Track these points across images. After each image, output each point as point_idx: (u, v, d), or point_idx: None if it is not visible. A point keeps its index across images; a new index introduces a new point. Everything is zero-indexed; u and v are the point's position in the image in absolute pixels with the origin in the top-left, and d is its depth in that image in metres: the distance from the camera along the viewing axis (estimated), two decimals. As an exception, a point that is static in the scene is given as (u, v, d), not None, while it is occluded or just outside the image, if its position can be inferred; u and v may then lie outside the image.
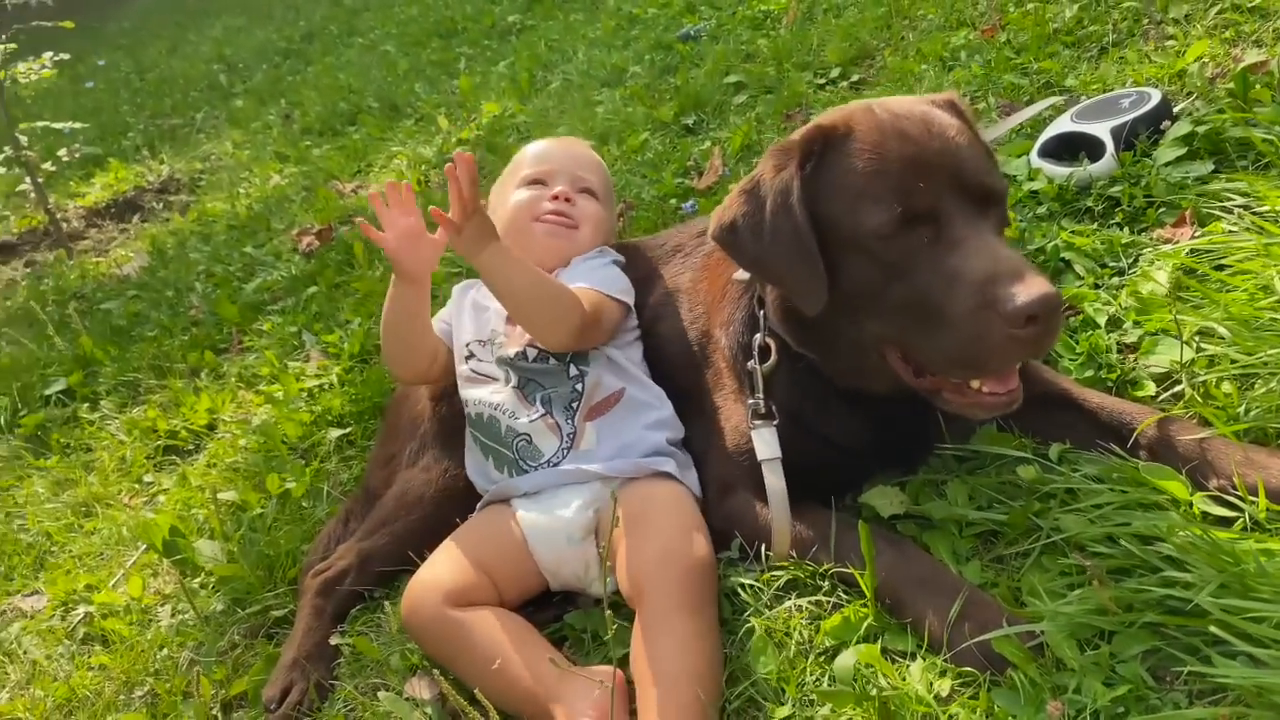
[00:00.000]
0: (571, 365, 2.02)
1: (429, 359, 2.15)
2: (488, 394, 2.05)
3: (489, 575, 1.83)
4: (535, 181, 2.26)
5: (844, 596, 1.66)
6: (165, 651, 2.23)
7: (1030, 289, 1.44)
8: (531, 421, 1.98)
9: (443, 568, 1.84)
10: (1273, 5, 2.81)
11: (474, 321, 2.18)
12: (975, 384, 1.59)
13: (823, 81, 3.78)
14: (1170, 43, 2.94)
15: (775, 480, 1.73)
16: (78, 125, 6.23)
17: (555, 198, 2.22)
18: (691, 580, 1.63)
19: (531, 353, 2.04)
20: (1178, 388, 1.78)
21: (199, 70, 10.08)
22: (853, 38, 3.90)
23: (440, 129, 5.16)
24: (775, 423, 1.78)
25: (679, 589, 1.60)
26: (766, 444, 1.76)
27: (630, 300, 2.14)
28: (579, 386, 2.00)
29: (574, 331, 1.94)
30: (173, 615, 2.35)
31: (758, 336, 1.85)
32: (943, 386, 1.63)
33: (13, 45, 5.70)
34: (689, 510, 1.80)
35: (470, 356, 2.13)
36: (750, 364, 1.84)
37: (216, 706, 2.03)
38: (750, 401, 1.81)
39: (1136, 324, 1.94)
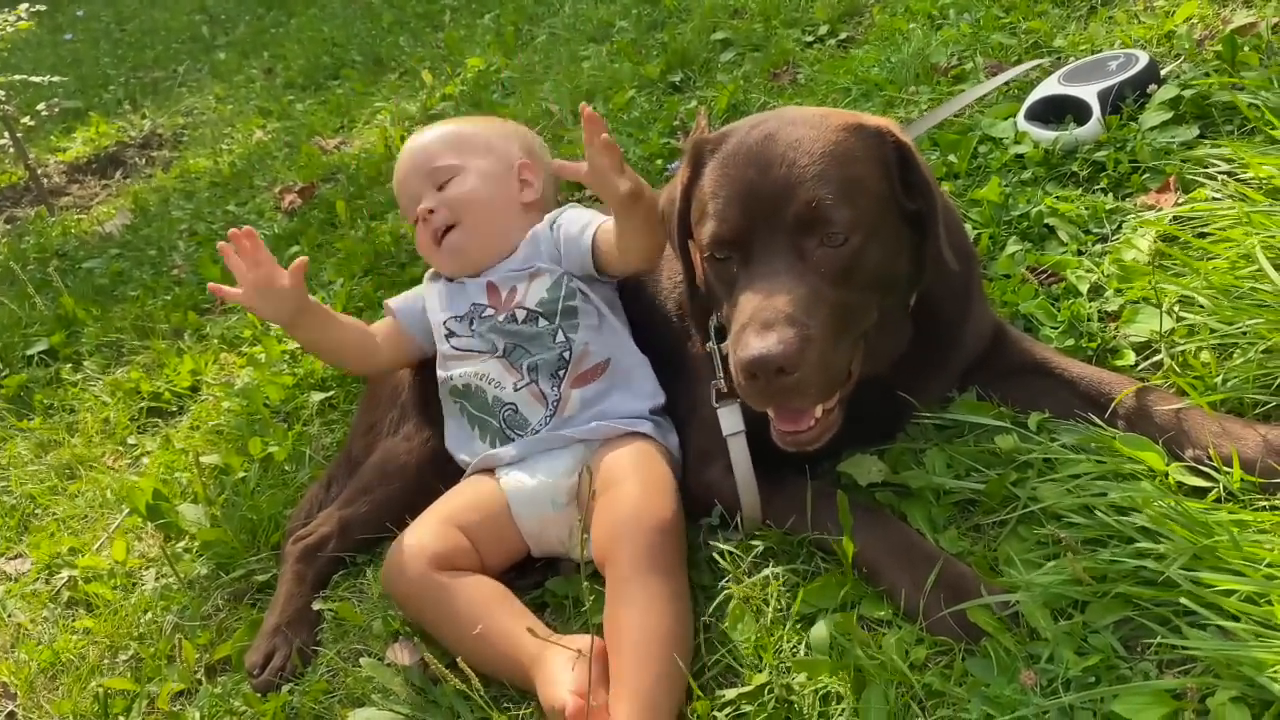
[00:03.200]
0: (560, 330, 2.02)
1: (362, 354, 2.18)
2: (473, 368, 2.04)
3: (473, 541, 1.84)
4: (407, 210, 2.25)
5: (822, 565, 1.68)
6: (149, 616, 2.24)
7: (753, 344, 1.47)
8: (517, 390, 1.99)
9: (427, 532, 1.84)
10: (1264, -34, 2.78)
11: (449, 299, 2.16)
12: (771, 415, 1.62)
13: (810, 39, 3.73)
14: (1159, 3, 2.91)
15: (740, 454, 1.74)
16: (57, 79, 6.11)
17: (416, 220, 2.20)
18: (659, 542, 1.64)
19: (520, 314, 2.05)
20: (1157, 357, 1.78)
21: (180, 21, 9.89)
22: (842, -7, 3.85)
23: (424, 84, 5.08)
24: (738, 400, 1.74)
25: (647, 553, 1.62)
26: (730, 420, 1.77)
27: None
28: (566, 355, 2.00)
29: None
30: (156, 579, 2.36)
31: (714, 317, 1.82)
32: None
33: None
34: (659, 470, 1.80)
35: (450, 335, 2.12)
36: (709, 345, 1.82)
37: (200, 671, 2.04)
38: (713, 382, 1.80)
39: (1118, 292, 1.94)
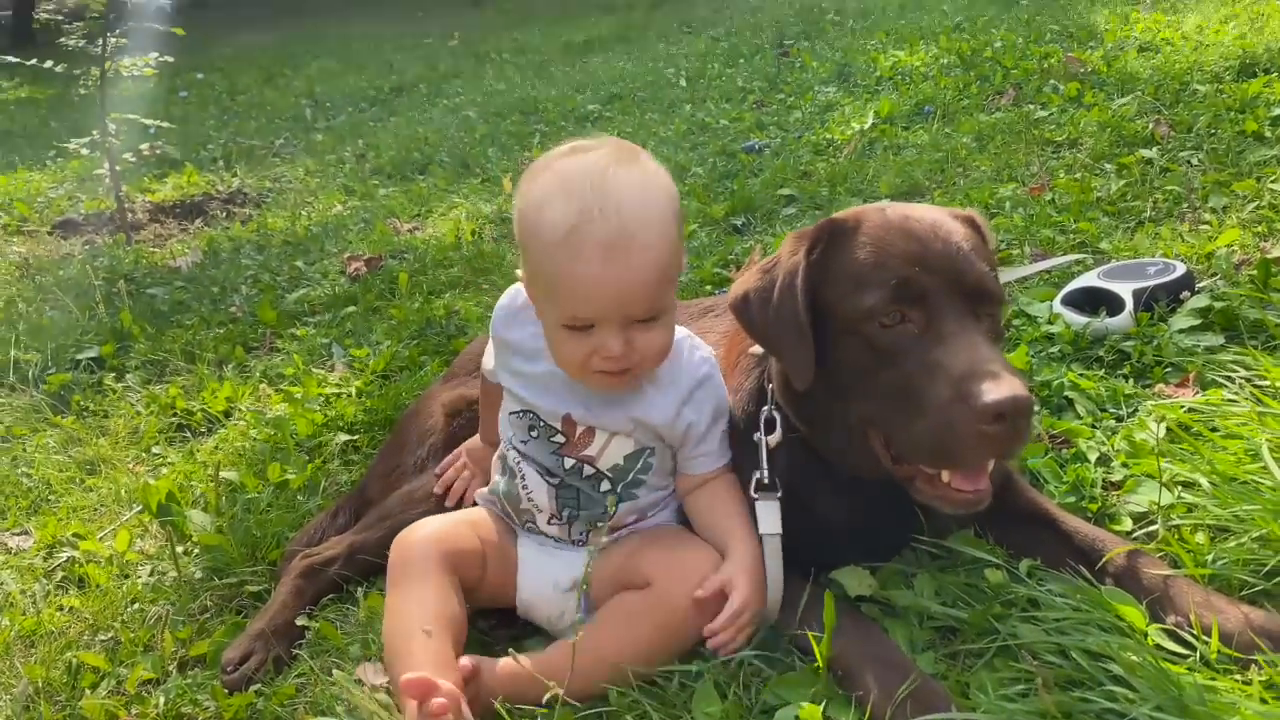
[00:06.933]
0: (619, 497, 1.87)
1: None
2: (523, 471, 1.91)
3: (484, 554, 1.88)
4: (581, 326, 1.68)
5: (798, 661, 1.70)
6: (137, 606, 2.28)
7: (1002, 388, 1.51)
8: (549, 523, 1.90)
9: (453, 529, 1.88)
10: (1305, 209, 2.95)
11: (516, 419, 1.92)
12: (945, 477, 1.65)
13: (872, 208, 3.93)
14: (1204, 227, 3.07)
15: (773, 556, 1.76)
16: (165, 124, 6.50)
17: (607, 356, 1.69)
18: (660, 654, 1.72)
19: (587, 470, 1.86)
20: (1153, 527, 1.83)
21: (287, 102, 10.54)
22: (906, 175, 4.08)
23: (503, 190, 5.37)
24: (778, 495, 1.81)
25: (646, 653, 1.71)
26: (768, 518, 1.79)
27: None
28: (611, 513, 1.88)
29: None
30: (151, 574, 2.40)
31: (765, 410, 1.89)
32: (917, 475, 1.70)
33: (123, 40, 6.04)
34: (683, 574, 1.74)
35: (520, 416, 1.91)
36: (756, 436, 1.87)
37: (174, 663, 2.07)
38: (755, 474, 1.84)
39: (1124, 465, 2.01)
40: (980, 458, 1.60)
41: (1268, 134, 3.77)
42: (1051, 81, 5.08)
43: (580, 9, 15.87)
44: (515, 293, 1.92)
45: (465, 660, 1.68)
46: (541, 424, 1.85)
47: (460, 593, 1.81)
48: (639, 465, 1.86)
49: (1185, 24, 5.79)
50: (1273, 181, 3.27)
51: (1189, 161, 3.71)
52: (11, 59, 6.08)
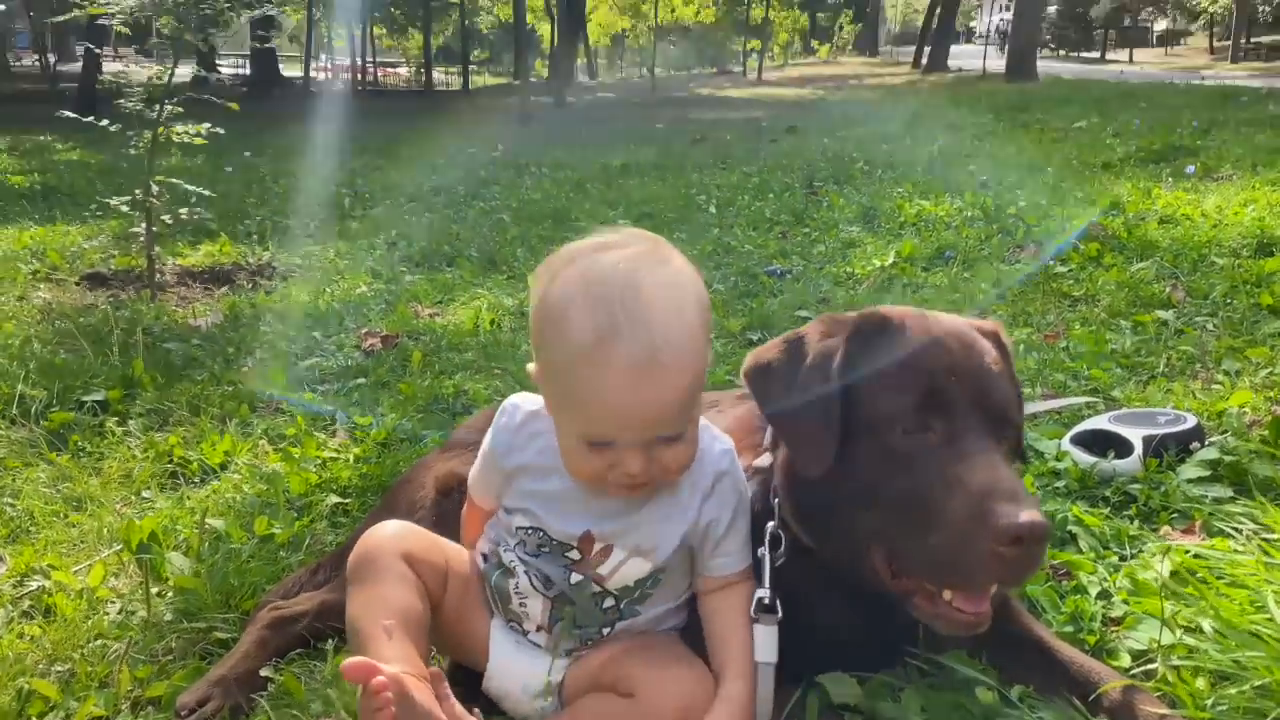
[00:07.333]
0: (621, 612, 1.76)
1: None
2: (514, 577, 1.79)
3: (444, 575, 1.81)
4: (601, 443, 1.58)
5: (773, 764, 1.63)
6: (101, 641, 2.21)
7: (1022, 512, 1.48)
8: (536, 631, 1.79)
9: (418, 541, 1.81)
10: (1319, 379, 2.95)
11: (524, 533, 1.78)
12: (947, 596, 1.61)
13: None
14: (1217, 387, 3.07)
15: (765, 683, 1.69)
16: (206, 192, 6.66)
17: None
18: None
19: (595, 588, 1.74)
20: (1151, 666, 1.77)
21: (327, 190, 10.81)
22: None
23: (528, 286, 5.45)
24: (779, 618, 1.73)
25: None
26: (766, 645, 1.70)
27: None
28: (606, 630, 1.77)
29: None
30: (120, 612, 2.34)
31: (770, 525, 1.79)
32: (916, 591, 1.65)
33: (179, 109, 6.26)
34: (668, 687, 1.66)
35: (512, 534, 1.81)
36: (760, 551, 1.78)
37: (128, 702, 2.00)
38: (758, 592, 1.75)
39: (1125, 602, 1.96)
40: (990, 580, 1.57)
41: (1283, 308, 3.81)
42: (1072, 240, 5.18)
43: (623, 138, 16.43)
44: (512, 411, 1.80)
45: (433, 669, 1.61)
46: (554, 542, 1.74)
47: (424, 595, 1.73)
48: (650, 580, 1.75)
49: (1205, 203, 5.95)
50: (1287, 352, 3.29)
51: (1204, 326, 3.74)
52: (69, 113, 6.29)
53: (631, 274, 1.53)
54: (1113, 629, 1.91)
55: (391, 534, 1.80)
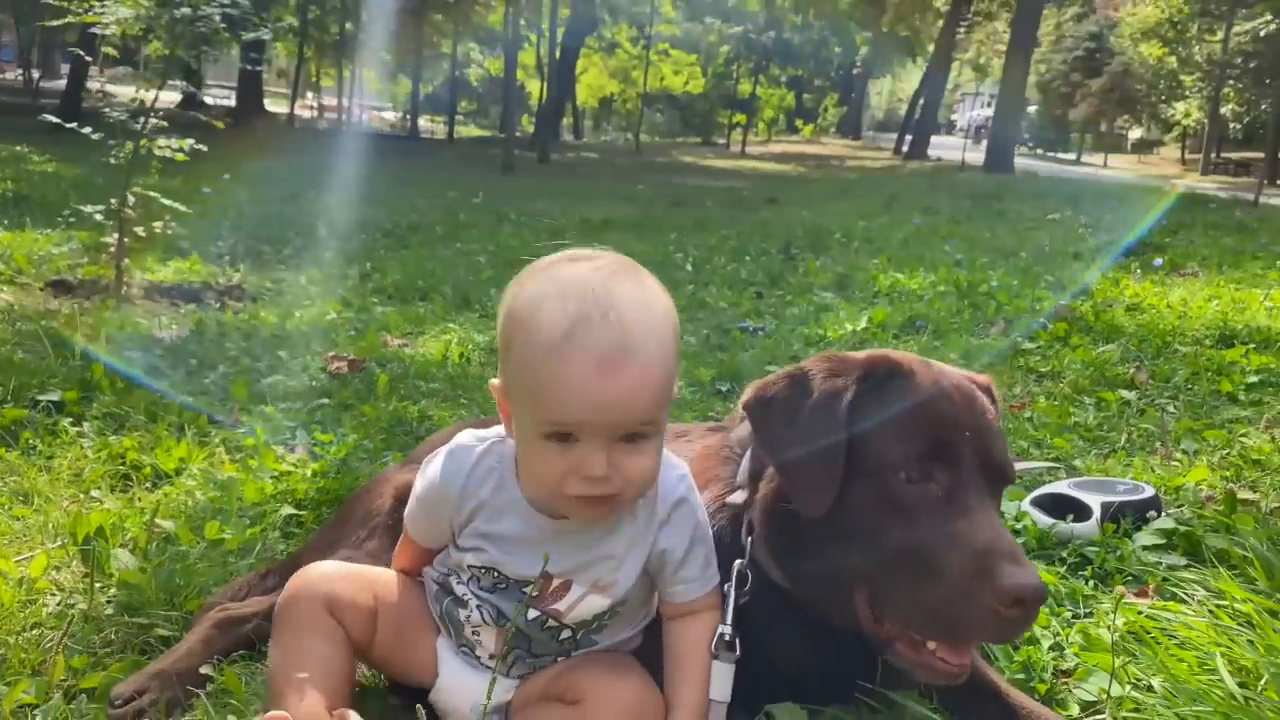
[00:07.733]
0: (577, 643, 1.75)
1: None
2: (465, 610, 1.76)
3: (373, 615, 1.78)
4: (564, 435, 1.52)
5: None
6: (37, 630, 2.15)
7: (1027, 574, 1.50)
8: (489, 658, 1.77)
9: (348, 583, 1.79)
10: (1272, 462, 3.01)
11: (476, 570, 1.74)
12: (932, 646, 1.60)
13: (854, 396, 4.00)
14: (1175, 463, 3.12)
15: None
16: (182, 208, 6.62)
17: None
18: None
19: (551, 623, 1.72)
20: (1100, 717, 1.77)
21: (303, 219, 10.81)
22: (893, 373, 4.17)
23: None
24: (736, 657, 1.70)
25: None
26: (721, 682, 1.69)
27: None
28: (561, 659, 1.76)
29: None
30: (60, 604, 2.28)
31: (739, 562, 1.76)
32: (899, 638, 1.64)
33: (163, 123, 6.26)
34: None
35: (464, 570, 1.76)
36: (726, 587, 1.76)
37: (59, 692, 1.93)
38: (720, 628, 1.73)
39: (1076, 655, 1.96)
40: (985, 636, 1.60)
41: (1242, 397, 3.90)
42: (1041, 320, 5.28)
43: (605, 195, 16.60)
44: (462, 455, 1.73)
45: (342, 711, 1.59)
46: (510, 580, 1.69)
47: (345, 643, 1.73)
48: (607, 613, 1.73)
49: (1171, 295, 6.10)
50: (1243, 436, 3.35)
51: (1165, 408, 3.82)
52: (52, 118, 6.26)
53: (605, 280, 1.54)
54: (1063, 680, 1.91)
55: (318, 577, 1.78)
